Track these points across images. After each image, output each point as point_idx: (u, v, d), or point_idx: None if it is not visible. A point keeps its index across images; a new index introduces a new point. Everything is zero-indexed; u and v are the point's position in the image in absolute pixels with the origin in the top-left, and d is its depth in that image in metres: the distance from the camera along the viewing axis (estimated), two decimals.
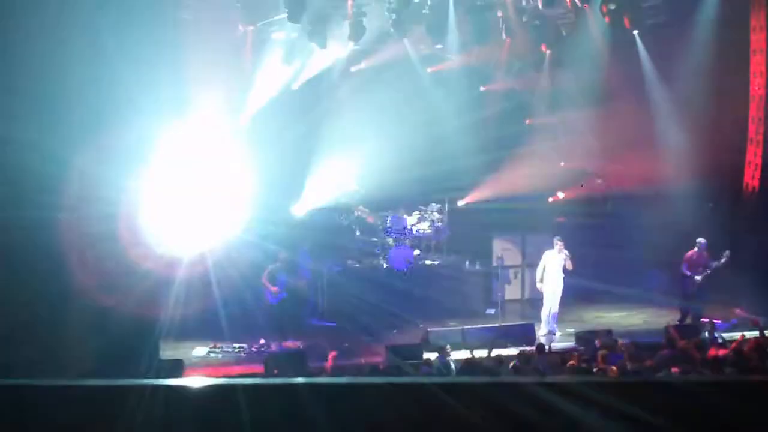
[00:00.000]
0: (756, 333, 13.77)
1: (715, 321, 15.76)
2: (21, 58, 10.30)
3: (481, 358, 12.73)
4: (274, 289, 15.86)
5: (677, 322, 16.06)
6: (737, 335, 14.27)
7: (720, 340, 13.53)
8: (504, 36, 19.25)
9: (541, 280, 16.48)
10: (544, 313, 16.42)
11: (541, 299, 16.60)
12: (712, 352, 12.25)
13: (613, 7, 18.32)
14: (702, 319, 16.02)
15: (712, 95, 18.52)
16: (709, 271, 16.45)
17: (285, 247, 17.78)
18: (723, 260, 16.39)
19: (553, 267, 16.38)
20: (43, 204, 10.86)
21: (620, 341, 13.34)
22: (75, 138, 11.40)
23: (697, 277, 16.45)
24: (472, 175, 19.93)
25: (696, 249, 16.72)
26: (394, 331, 16.50)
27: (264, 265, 16.67)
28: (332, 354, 12.94)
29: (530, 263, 19.46)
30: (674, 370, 10.66)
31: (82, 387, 2.98)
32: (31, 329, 10.65)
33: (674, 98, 18.86)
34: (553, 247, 16.46)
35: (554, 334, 16.25)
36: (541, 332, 16.16)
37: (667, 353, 12.14)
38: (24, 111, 10.32)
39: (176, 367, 13.07)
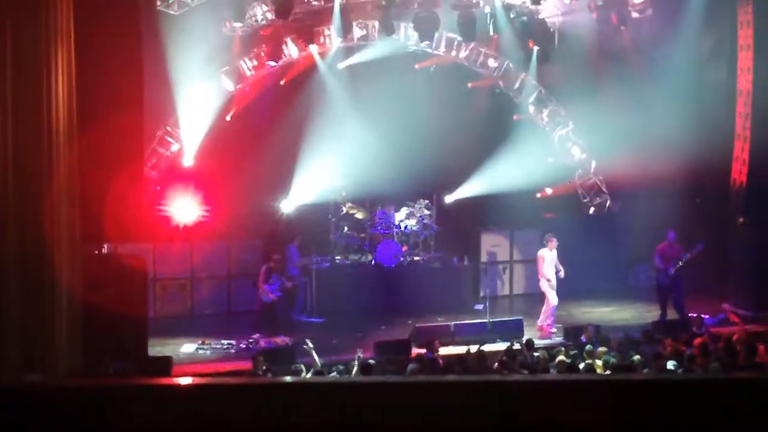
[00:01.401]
0: (744, 327, 13.85)
1: (703, 316, 15.85)
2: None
3: (465, 354, 12.77)
4: (271, 295, 15.86)
5: (657, 318, 16.14)
6: (725, 330, 14.36)
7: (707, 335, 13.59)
8: (491, 32, 19.27)
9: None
10: (546, 309, 16.28)
11: (536, 294, 16.60)
12: (698, 341, 12.33)
13: (600, 2, 18.38)
14: (690, 314, 16.05)
15: (698, 91, 18.60)
16: (681, 263, 16.45)
17: (272, 243, 17.79)
18: (696, 252, 16.40)
19: (548, 263, 16.35)
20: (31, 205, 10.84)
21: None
22: (62, 138, 11.38)
23: (671, 270, 16.47)
24: (460, 171, 19.92)
25: (666, 242, 16.75)
26: (382, 327, 16.51)
27: (253, 263, 16.67)
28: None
29: (518, 259, 19.54)
30: None
31: (70, 388, 2.98)
32: (20, 327, 10.62)
33: (661, 93, 18.90)
34: (545, 245, 16.44)
35: (552, 331, 16.04)
36: (541, 321, 16.08)
37: (647, 348, 12.21)
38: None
39: (164, 364, 13.05)
